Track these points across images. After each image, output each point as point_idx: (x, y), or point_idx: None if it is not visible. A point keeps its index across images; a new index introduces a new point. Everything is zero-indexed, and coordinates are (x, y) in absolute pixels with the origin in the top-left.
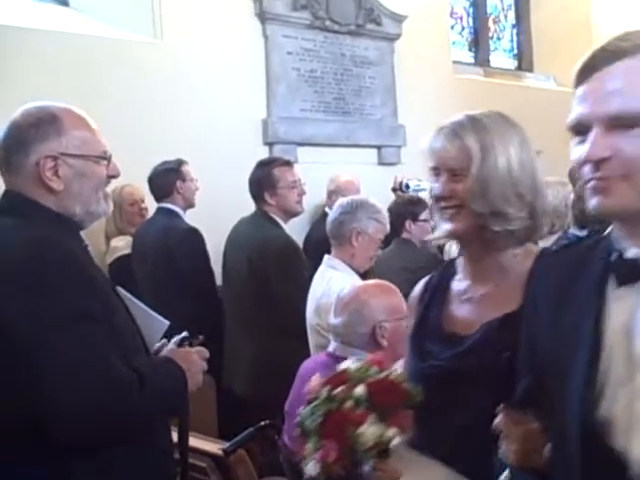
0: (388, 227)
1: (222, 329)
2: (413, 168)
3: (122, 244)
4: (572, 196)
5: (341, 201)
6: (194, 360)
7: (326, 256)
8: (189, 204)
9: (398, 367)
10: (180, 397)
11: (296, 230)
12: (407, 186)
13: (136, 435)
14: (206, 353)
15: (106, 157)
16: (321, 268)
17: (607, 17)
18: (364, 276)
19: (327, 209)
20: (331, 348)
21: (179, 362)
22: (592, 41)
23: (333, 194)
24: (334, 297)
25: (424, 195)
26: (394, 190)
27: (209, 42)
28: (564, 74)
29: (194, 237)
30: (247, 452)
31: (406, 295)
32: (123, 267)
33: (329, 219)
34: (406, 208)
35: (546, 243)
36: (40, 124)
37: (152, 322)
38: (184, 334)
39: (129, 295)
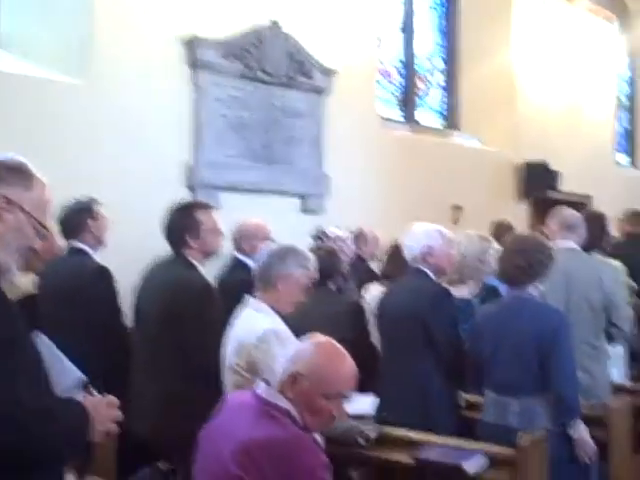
0: (316, 274)
1: (128, 371)
2: (336, 217)
3: (25, 281)
4: (492, 251)
5: (271, 247)
6: (102, 408)
7: (249, 298)
8: (100, 242)
9: None
10: (82, 440)
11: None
12: (324, 234)
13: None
14: (116, 402)
15: (45, 232)
16: (242, 309)
17: (530, 85)
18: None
19: (237, 253)
20: (260, 391)
21: (87, 408)
22: (516, 107)
23: (242, 238)
24: (255, 337)
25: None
26: (314, 238)
27: (138, 85)
28: (488, 135)
29: (104, 275)
30: None
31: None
32: (27, 306)
33: (257, 263)
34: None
35: (463, 291)
36: (15, 170)
37: (66, 372)
38: (83, 379)
39: (47, 341)
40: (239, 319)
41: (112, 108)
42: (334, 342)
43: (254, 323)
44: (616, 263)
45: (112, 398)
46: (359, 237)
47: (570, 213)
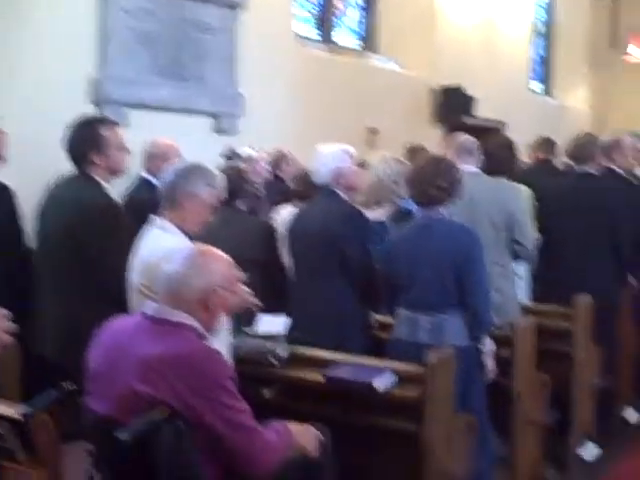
0: (223, 193)
1: (30, 293)
2: (251, 138)
3: None
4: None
5: (176, 165)
6: None
7: (155, 217)
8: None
9: None
10: None
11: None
12: (236, 153)
13: None
14: (8, 314)
15: None
16: (148, 229)
17: (449, 10)
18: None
19: (145, 174)
20: (150, 310)
21: None
22: (434, 31)
23: (151, 158)
24: (159, 256)
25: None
26: (224, 157)
27: None
28: (406, 58)
29: (4, 194)
30: (52, 416)
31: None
32: None
33: (163, 181)
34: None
35: (379, 214)
36: None
37: None
38: None
39: None
40: (144, 239)
41: (7, 16)
42: (199, 248)
43: (159, 242)
44: (521, 187)
45: (3, 310)
46: (278, 158)
47: (465, 138)
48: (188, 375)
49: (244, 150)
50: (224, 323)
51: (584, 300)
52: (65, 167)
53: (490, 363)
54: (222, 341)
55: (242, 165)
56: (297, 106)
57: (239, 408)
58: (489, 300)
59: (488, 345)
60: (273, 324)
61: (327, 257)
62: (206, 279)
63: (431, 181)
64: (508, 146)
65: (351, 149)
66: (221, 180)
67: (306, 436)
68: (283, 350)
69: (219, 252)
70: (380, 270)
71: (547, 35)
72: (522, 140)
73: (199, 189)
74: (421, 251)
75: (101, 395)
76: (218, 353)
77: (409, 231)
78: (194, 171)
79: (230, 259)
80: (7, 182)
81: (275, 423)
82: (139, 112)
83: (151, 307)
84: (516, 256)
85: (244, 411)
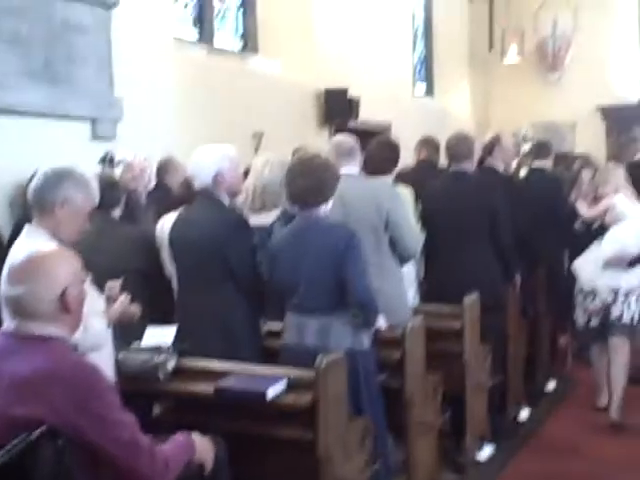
0: (97, 199)
1: None
2: (130, 143)
3: None
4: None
5: (46, 169)
6: None
7: (27, 225)
8: None
9: None
10: None
11: None
12: (112, 158)
13: None
14: None
15: None
16: (21, 238)
17: (326, 9)
18: None
19: None
20: (10, 327)
21: None
22: (312, 31)
23: None
24: None
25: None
26: (101, 161)
27: None
28: (288, 60)
29: None
30: None
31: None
32: None
33: (31, 186)
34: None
35: (266, 218)
36: None
37: None
38: None
39: None
40: (15, 249)
41: None
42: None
43: (27, 249)
44: (400, 187)
45: None
46: (164, 164)
47: (343, 139)
48: (64, 391)
49: (124, 158)
50: (107, 338)
51: (471, 299)
52: None
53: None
54: (105, 356)
55: (118, 172)
56: (178, 110)
57: (122, 420)
58: (372, 290)
59: (381, 321)
60: (160, 336)
61: (211, 266)
62: (54, 285)
63: (297, 182)
64: (388, 145)
65: (231, 150)
66: (95, 185)
67: (203, 448)
68: (170, 363)
69: (52, 252)
70: (266, 276)
71: (427, 36)
72: (407, 143)
73: (72, 194)
74: (301, 254)
75: None
76: (93, 366)
77: (288, 234)
78: (66, 175)
79: (71, 253)
80: None
81: (178, 434)
82: (7, 118)
83: (12, 324)
84: (400, 259)
85: (127, 424)
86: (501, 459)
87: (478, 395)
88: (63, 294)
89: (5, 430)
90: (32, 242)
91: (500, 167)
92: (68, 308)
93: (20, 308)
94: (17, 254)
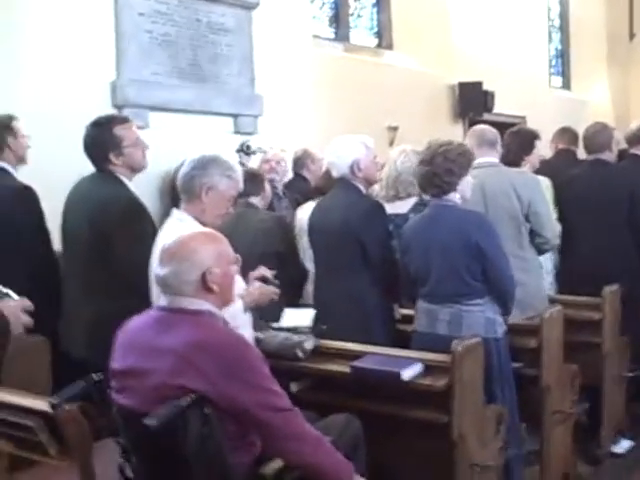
0: (241, 185)
1: (59, 293)
2: (269, 137)
3: None
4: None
5: (192, 157)
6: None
7: (174, 210)
8: (21, 160)
9: None
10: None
11: (146, 197)
12: (248, 147)
13: None
14: (30, 305)
15: None
16: (169, 221)
17: (463, 4)
18: None
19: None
20: (163, 302)
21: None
22: (449, 25)
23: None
24: None
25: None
26: (238, 151)
27: None
28: (422, 55)
29: (28, 195)
30: (83, 412)
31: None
32: None
33: (180, 173)
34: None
35: (400, 207)
36: None
37: None
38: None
39: None
40: (162, 230)
41: (29, 21)
42: (182, 236)
43: (176, 233)
44: (539, 177)
45: (27, 302)
46: (302, 157)
47: (488, 130)
48: (215, 361)
49: (259, 147)
50: (246, 320)
51: (612, 289)
52: (86, 170)
53: None
54: (247, 334)
55: (254, 160)
56: (315, 105)
57: (275, 389)
58: (512, 277)
59: None
60: (299, 318)
61: (348, 251)
62: (196, 266)
63: (423, 170)
64: (529, 136)
65: (368, 140)
66: (239, 172)
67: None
68: (309, 343)
69: (196, 235)
70: (400, 263)
71: (563, 28)
72: (543, 136)
73: (217, 181)
74: (432, 242)
75: (130, 391)
76: (243, 337)
77: (420, 222)
78: (211, 163)
79: (217, 235)
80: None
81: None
82: (159, 114)
83: (164, 299)
84: (539, 249)
85: (281, 393)
86: (639, 453)
87: (617, 387)
88: (204, 275)
89: (159, 397)
90: (181, 225)
91: None
92: (210, 288)
93: (167, 287)
94: (165, 237)
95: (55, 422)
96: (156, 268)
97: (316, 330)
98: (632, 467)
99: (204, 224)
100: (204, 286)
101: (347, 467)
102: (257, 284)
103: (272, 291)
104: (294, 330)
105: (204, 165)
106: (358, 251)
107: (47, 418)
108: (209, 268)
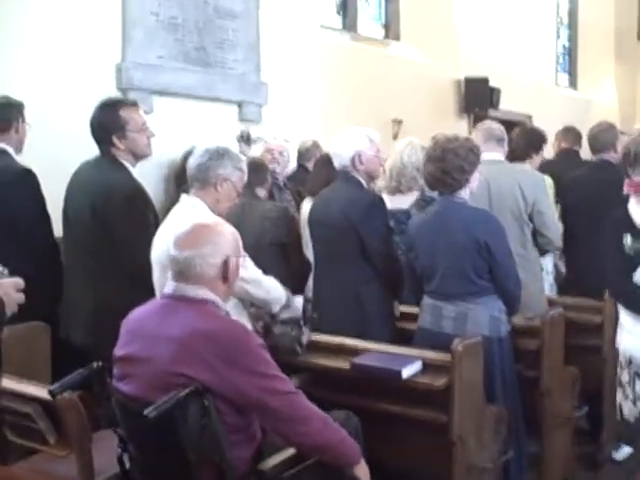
0: (246, 179)
1: (60, 279)
2: (274, 126)
3: None
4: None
5: (208, 147)
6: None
7: (185, 196)
8: (19, 148)
9: None
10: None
11: (148, 183)
12: (249, 136)
13: None
14: (21, 283)
15: None
16: (180, 206)
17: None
18: None
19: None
20: (169, 289)
21: None
22: (457, 21)
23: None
24: None
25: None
26: (238, 139)
27: None
28: (429, 48)
29: (28, 178)
30: (82, 401)
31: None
32: None
33: (194, 162)
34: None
35: (401, 201)
36: None
37: None
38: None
39: None
40: (172, 215)
41: (31, 4)
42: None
43: (191, 218)
44: (544, 176)
45: (16, 279)
46: (305, 148)
47: (496, 126)
48: (220, 349)
49: (259, 136)
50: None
51: None
52: (90, 153)
53: None
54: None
55: (256, 150)
56: (321, 95)
57: (277, 375)
58: (517, 277)
59: None
60: (292, 308)
61: (347, 245)
62: (220, 252)
63: (431, 166)
64: (536, 134)
65: (374, 133)
66: (245, 164)
67: (364, 471)
68: (305, 337)
69: (219, 222)
70: (404, 259)
71: (571, 26)
72: (548, 135)
73: (231, 172)
74: (440, 239)
75: (131, 378)
76: (244, 326)
77: (428, 219)
78: (226, 154)
79: (230, 226)
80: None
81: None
82: (164, 98)
83: (170, 287)
84: (542, 249)
85: (284, 378)
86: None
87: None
88: (226, 262)
89: (162, 386)
90: (195, 211)
91: None
92: (226, 276)
93: (186, 270)
94: (177, 221)
95: (54, 410)
96: (174, 252)
97: (307, 319)
98: (633, 473)
99: (216, 213)
100: (222, 274)
101: (355, 446)
102: None
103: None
104: (290, 321)
105: (220, 157)
106: (357, 245)
107: (46, 405)
108: (229, 256)
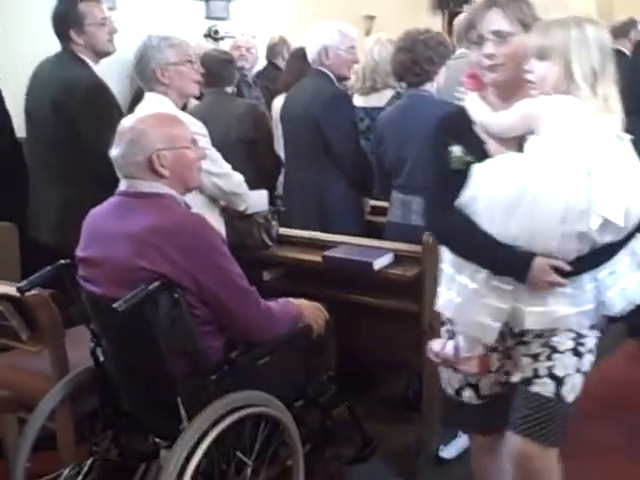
0: (191, 49)
1: (25, 178)
2: (242, 24)
3: None
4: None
5: (144, 40)
6: None
7: (148, 93)
8: None
9: None
10: None
11: (112, 81)
12: (216, 32)
13: None
14: None
15: None
16: (144, 104)
17: None
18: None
19: None
20: (123, 187)
21: None
22: None
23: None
24: None
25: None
26: (205, 35)
27: None
28: None
29: None
30: (53, 299)
31: None
32: None
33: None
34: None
35: (377, 100)
36: None
37: None
38: None
39: None
40: (137, 112)
41: None
42: (134, 118)
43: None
44: None
45: None
46: (274, 45)
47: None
48: (177, 241)
49: (227, 32)
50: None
51: None
52: (53, 50)
53: None
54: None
55: (230, 50)
56: None
57: (235, 270)
58: None
59: None
60: (258, 202)
61: (311, 140)
62: (142, 148)
63: (399, 58)
64: None
65: (349, 28)
66: (179, 36)
67: (313, 313)
68: (274, 229)
69: (154, 116)
70: (374, 154)
71: None
72: None
73: (162, 58)
74: (407, 133)
75: (96, 279)
76: (204, 219)
77: (395, 112)
78: (149, 44)
79: (173, 118)
80: None
81: (280, 299)
82: None
83: (124, 184)
84: None
85: (240, 274)
86: None
87: None
88: (151, 157)
89: (125, 281)
90: (158, 107)
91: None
92: (156, 169)
93: (120, 169)
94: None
95: (26, 307)
96: (112, 149)
97: (275, 212)
98: None
99: (175, 101)
100: (151, 169)
101: (291, 309)
102: None
103: None
104: (256, 215)
105: (145, 50)
106: (320, 141)
107: (17, 303)
108: (158, 151)
